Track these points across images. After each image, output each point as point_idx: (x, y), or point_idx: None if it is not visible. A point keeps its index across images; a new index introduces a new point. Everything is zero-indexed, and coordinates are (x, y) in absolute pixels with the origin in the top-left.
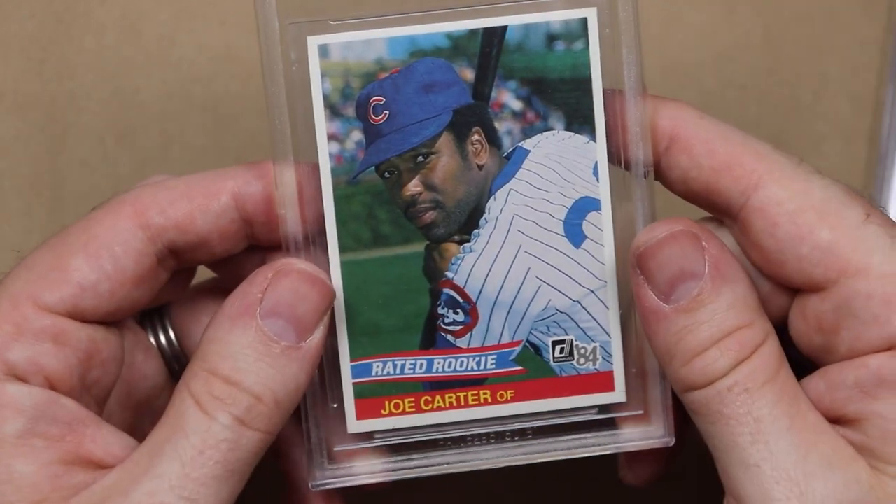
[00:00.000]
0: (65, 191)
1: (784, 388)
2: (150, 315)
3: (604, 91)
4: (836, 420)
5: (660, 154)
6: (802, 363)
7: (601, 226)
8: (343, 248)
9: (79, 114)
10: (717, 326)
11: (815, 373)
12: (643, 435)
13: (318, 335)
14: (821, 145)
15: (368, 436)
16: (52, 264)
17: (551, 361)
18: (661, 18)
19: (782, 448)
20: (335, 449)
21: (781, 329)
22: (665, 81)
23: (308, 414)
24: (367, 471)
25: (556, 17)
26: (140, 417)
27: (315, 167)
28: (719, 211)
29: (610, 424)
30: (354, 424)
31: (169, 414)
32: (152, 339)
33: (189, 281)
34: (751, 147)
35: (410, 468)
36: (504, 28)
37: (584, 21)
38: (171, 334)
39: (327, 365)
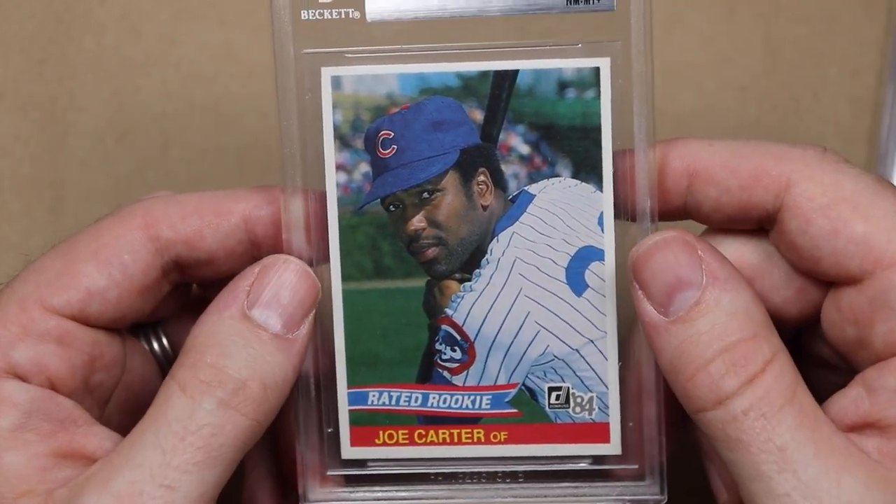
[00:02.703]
0: (65, 191)
1: (803, 410)
2: (143, 325)
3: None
4: (874, 426)
5: (683, 194)
6: (828, 364)
7: (603, 276)
8: (345, 277)
9: (79, 114)
10: (718, 337)
11: (854, 380)
12: (636, 490)
13: (304, 329)
14: (820, 146)
15: (361, 463)
16: (62, 269)
17: (547, 407)
18: (662, 20)
19: (812, 476)
20: (328, 473)
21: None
22: (665, 83)
23: (302, 436)
24: (358, 497)
25: (569, 65)
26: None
27: (322, 196)
28: (759, 222)
29: (603, 476)
30: (348, 451)
31: (154, 403)
32: (146, 345)
33: (186, 297)
34: (770, 152)
35: (400, 499)
36: (516, 72)
37: (597, 70)
38: (165, 342)
39: (324, 389)
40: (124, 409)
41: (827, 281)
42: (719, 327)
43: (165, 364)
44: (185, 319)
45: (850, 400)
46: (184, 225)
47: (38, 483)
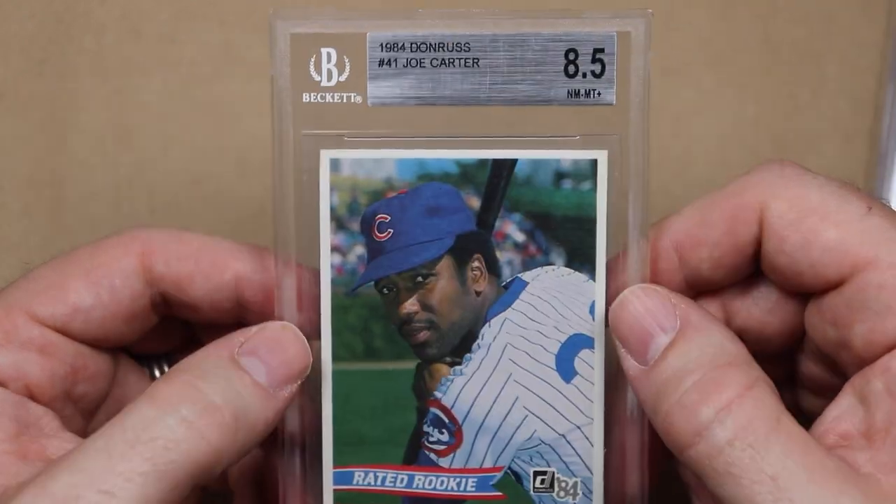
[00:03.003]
0: (65, 191)
1: (791, 436)
2: (152, 356)
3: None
4: (864, 434)
5: (680, 269)
6: (825, 385)
7: (593, 364)
8: (336, 357)
9: (79, 114)
10: (690, 371)
11: (843, 389)
12: None
13: (286, 392)
14: (820, 145)
15: None
16: (53, 281)
17: (531, 491)
18: (661, 19)
19: (809, 502)
20: None
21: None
22: (664, 82)
23: None
24: None
25: (567, 156)
26: None
27: (315, 273)
28: (749, 256)
29: None
30: None
31: (120, 412)
32: (149, 375)
33: (185, 334)
34: (734, 190)
35: None
36: (514, 161)
37: (595, 163)
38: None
39: (309, 467)
40: None
41: (812, 292)
42: (692, 362)
43: None
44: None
45: (842, 410)
46: (178, 265)
47: None
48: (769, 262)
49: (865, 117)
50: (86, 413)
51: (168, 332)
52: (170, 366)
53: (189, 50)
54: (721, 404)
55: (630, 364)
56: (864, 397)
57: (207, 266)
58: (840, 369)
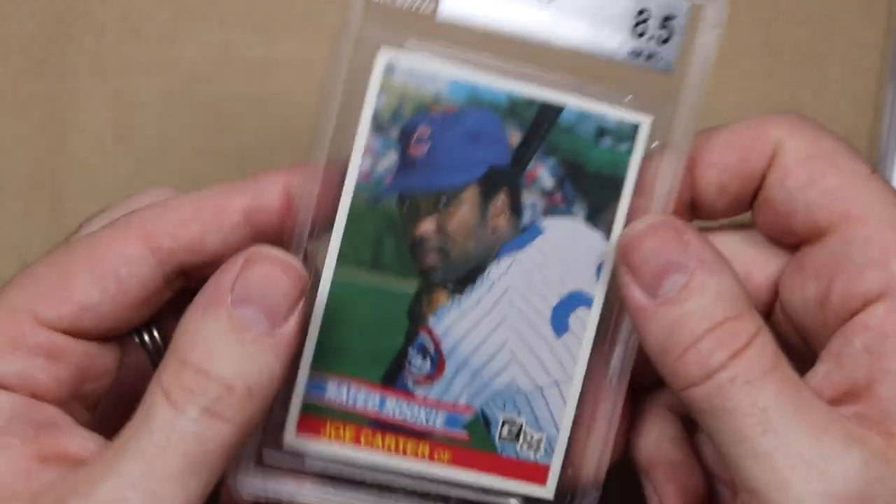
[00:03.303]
0: (65, 191)
1: (785, 377)
2: None
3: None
4: (849, 394)
5: (689, 188)
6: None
7: (586, 323)
8: (341, 262)
9: (79, 114)
10: (706, 317)
11: (821, 355)
12: None
13: (291, 323)
14: None
15: (300, 454)
16: (57, 281)
17: (496, 438)
18: None
19: (793, 434)
20: (266, 458)
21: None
22: None
23: None
24: (287, 490)
25: (613, 114)
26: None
27: (338, 179)
28: (752, 191)
29: None
30: (292, 438)
31: (139, 409)
32: (137, 340)
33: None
34: (756, 122)
35: (330, 499)
36: (562, 107)
37: (637, 126)
38: (156, 335)
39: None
40: (117, 404)
41: (793, 241)
42: (708, 308)
43: (157, 357)
44: (177, 312)
45: (822, 376)
46: (184, 232)
47: (22, 486)
48: (766, 194)
49: (866, 118)
50: (90, 406)
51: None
52: (158, 330)
53: (189, 50)
54: (731, 353)
55: (635, 293)
56: (841, 359)
57: (211, 218)
58: (811, 336)
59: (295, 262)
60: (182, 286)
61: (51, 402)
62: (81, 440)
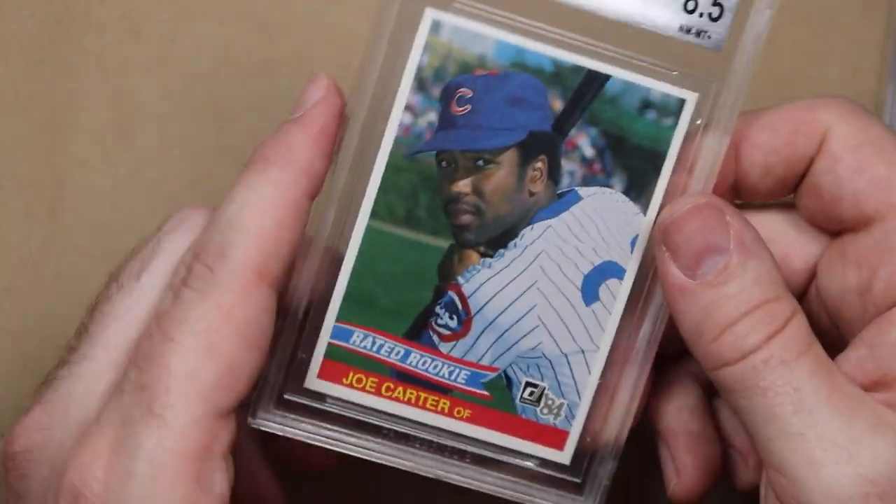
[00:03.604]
0: (65, 191)
1: (818, 359)
2: None
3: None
4: (880, 382)
5: (733, 170)
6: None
7: (617, 295)
8: (374, 215)
9: (79, 114)
10: (745, 300)
11: (854, 341)
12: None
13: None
14: None
15: (321, 397)
16: (219, 370)
17: (518, 399)
18: None
19: (825, 415)
20: (286, 396)
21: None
22: None
23: (277, 352)
24: (306, 429)
25: (659, 88)
26: None
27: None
28: (797, 175)
29: (544, 480)
30: (314, 381)
31: None
32: None
33: None
34: (803, 105)
35: (347, 444)
36: (607, 77)
37: (682, 102)
38: None
39: (312, 315)
40: None
41: (837, 229)
42: (746, 291)
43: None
44: None
45: (854, 363)
46: (279, 248)
47: None
48: (813, 180)
49: None
50: None
51: None
52: None
53: (189, 50)
54: (767, 335)
55: (673, 272)
56: (874, 348)
57: (291, 219)
58: (845, 324)
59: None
60: None
61: None
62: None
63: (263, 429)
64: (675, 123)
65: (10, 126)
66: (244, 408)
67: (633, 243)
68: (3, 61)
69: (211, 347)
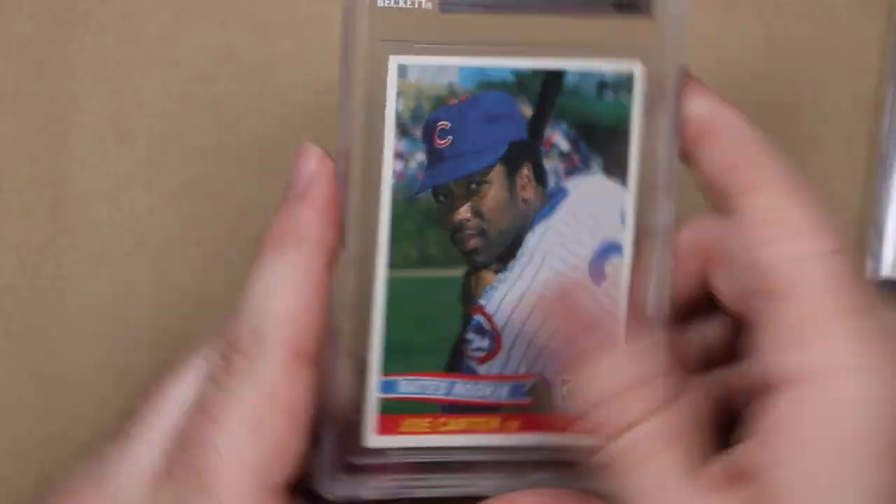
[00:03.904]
0: (65, 191)
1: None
2: None
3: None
4: (745, 473)
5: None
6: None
7: (621, 268)
8: (393, 265)
9: (79, 114)
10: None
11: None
12: None
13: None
14: (821, 146)
15: (382, 452)
16: (268, 450)
17: (559, 398)
18: None
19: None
20: (349, 460)
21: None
22: None
23: (327, 421)
24: (377, 486)
25: (608, 67)
26: None
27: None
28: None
29: None
30: (374, 439)
31: None
32: None
33: None
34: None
35: (422, 486)
36: (563, 71)
37: (631, 74)
38: None
39: (356, 376)
40: None
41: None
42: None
43: None
44: None
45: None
46: (311, 326)
47: None
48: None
49: (866, 118)
50: None
51: None
52: None
53: (189, 50)
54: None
55: None
56: (751, 433)
57: (314, 298)
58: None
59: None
60: None
61: None
62: None
63: (337, 496)
64: (630, 96)
65: (10, 126)
66: (291, 489)
67: (622, 217)
68: (3, 61)
69: (258, 427)
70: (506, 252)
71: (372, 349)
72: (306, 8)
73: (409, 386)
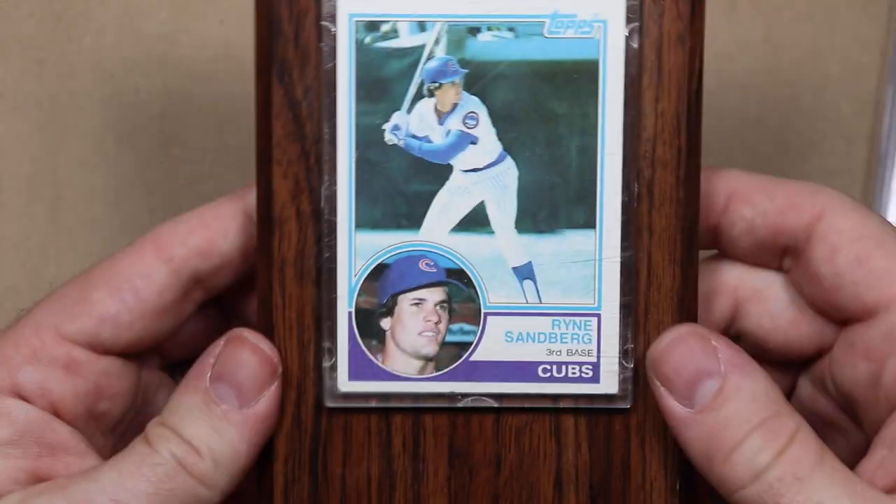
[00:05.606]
0: (65, 191)
1: (833, 470)
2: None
3: None
4: None
5: (719, 214)
6: (829, 422)
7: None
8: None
9: (79, 114)
10: (746, 420)
11: (874, 441)
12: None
13: (260, 404)
14: (821, 145)
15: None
16: (77, 297)
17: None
18: None
19: None
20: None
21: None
22: None
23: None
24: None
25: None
26: None
27: None
28: (785, 251)
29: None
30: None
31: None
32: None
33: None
34: (804, 186)
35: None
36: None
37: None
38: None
39: None
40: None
41: (840, 317)
42: (745, 411)
43: None
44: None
45: (875, 465)
46: (193, 238)
47: (9, 491)
48: (812, 267)
49: (866, 117)
50: (107, 431)
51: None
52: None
53: (189, 50)
54: (777, 451)
55: (672, 405)
56: (894, 448)
57: (217, 222)
58: (862, 414)
59: (267, 346)
60: (201, 298)
61: (67, 416)
62: (83, 466)
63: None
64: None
65: (10, 126)
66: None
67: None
68: (3, 61)
69: None
70: None
71: None
72: None
73: None
